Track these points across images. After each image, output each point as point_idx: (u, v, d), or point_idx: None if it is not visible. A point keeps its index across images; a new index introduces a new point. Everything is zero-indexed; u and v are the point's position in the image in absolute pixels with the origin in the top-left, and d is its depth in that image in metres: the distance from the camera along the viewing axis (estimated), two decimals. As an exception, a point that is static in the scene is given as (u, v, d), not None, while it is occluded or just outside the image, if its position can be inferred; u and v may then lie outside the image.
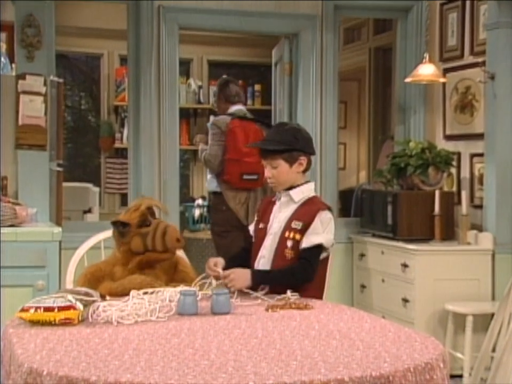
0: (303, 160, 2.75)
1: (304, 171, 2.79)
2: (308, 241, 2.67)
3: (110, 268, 2.66)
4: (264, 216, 2.84)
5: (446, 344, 3.97)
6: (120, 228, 2.62)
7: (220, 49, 6.86)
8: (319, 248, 2.69)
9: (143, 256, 2.63)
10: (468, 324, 3.88)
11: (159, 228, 2.64)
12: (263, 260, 2.77)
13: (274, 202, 2.85)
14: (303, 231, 2.69)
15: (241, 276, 2.58)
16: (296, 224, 2.70)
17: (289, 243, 2.69)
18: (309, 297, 2.57)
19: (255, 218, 2.92)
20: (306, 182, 2.81)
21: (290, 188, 2.77)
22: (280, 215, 2.78)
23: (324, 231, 2.69)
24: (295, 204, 2.76)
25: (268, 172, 2.76)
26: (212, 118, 5.11)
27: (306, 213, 2.71)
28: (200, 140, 4.74)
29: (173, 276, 2.71)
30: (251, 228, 2.92)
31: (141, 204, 2.69)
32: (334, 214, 2.79)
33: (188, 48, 6.25)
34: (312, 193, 2.81)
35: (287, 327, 2.14)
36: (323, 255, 2.73)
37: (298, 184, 2.77)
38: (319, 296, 2.70)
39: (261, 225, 2.83)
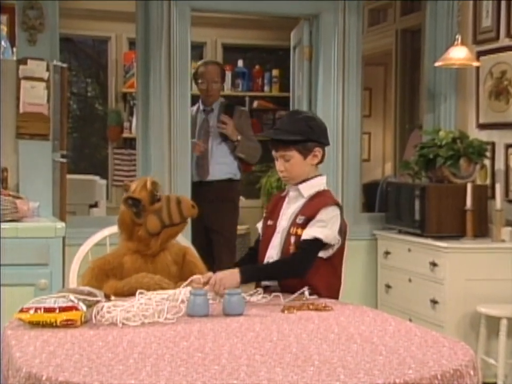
0: (318, 151, 2.72)
1: (318, 163, 2.76)
2: (307, 233, 2.64)
3: (119, 260, 2.68)
4: (273, 213, 2.82)
5: (478, 349, 3.94)
6: (134, 208, 2.65)
7: (235, 32, 6.85)
8: (318, 242, 2.64)
9: (162, 235, 2.68)
10: (502, 327, 3.85)
11: (172, 199, 2.72)
12: (271, 260, 2.74)
13: (283, 198, 2.83)
14: (304, 225, 2.66)
15: (227, 276, 2.53)
16: (300, 219, 2.68)
17: (292, 239, 2.67)
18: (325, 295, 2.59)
19: (264, 215, 2.89)
20: (318, 175, 2.78)
21: (300, 182, 2.75)
22: (288, 211, 2.76)
23: (326, 225, 2.65)
24: (303, 199, 2.74)
25: (280, 165, 2.73)
26: (240, 107, 5.06)
27: (311, 207, 2.69)
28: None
29: (182, 266, 2.74)
30: (259, 225, 2.90)
31: (145, 181, 2.72)
32: (342, 211, 2.75)
33: (201, 31, 6.25)
34: (323, 187, 2.78)
35: (304, 329, 2.13)
36: (329, 252, 2.69)
37: (309, 177, 2.75)
38: (333, 298, 2.68)
39: (269, 222, 2.81)
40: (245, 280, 2.54)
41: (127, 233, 2.71)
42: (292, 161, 2.70)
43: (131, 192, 2.71)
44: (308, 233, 2.64)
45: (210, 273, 2.60)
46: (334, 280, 2.75)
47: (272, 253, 2.75)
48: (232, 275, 2.55)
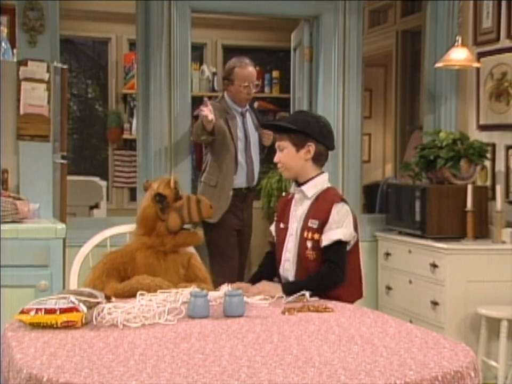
0: (310, 146, 2.77)
1: (316, 161, 2.79)
2: (326, 238, 2.70)
3: (131, 255, 2.73)
4: (283, 215, 2.88)
5: (479, 351, 3.94)
6: (160, 204, 2.75)
7: (235, 33, 6.86)
8: (340, 244, 2.71)
9: (179, 237, 2.78)
10: (502, 329, 3.85)
11: (192, 198, 2.85)
12: (288, 263, 2.81)
13: (290, 201, 2.88)
14: (320, 230, 2.72)
15: (270, 285, 2.68)
16: (313, 223, 2.73)
17: (309, 244, 2.73)
18: (346, 294, 2.69)
19: (275, 218, 2.97)
20: (319, 174, 2.82)
21: (303, 183, 2.80)
22: (296, 213, 2.82)
23: (341, 225, 2.71)
24: (308, 200, 2.79)
25: (276, 156, 2.83)
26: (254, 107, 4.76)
27: (320, 209, 2.74)
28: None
29: (187, 269, 2.81)
30: (272, 228, 2.98)
31: (169, 180, 2.83)
32: (349, 205, 2.80)
33: (201, 32, 6.24)
34: (326, 185, 2.83)
35: (305, 331, 2.13)
36: (348, 246, 2.75)
37: (311, 177, 2.80)
38: (356, 290, 2.78)
39: (281, 225, 2.88)
40: (287, 295, 2.60)
41: (147, 228, 2.77)
42: (285, 152, 2.79)
43: (155, 189, 2.77)
44: (328, 238, 2.70)
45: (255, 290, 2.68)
46: (353, 274, 2.78)
47: (288, 256, 2.81)
48: (275, 287, 2.67)
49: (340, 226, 2.70)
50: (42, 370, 1.73)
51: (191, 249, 3.04)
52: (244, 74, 4.35)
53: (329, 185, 2.84)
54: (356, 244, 2.79)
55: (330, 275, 2.69)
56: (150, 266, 2.70)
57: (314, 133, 2.76)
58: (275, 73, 7.04)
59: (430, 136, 4.62)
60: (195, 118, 4.53)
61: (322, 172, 2.83)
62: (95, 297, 2.25)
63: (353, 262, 2.78)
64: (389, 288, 4.63)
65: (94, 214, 5.58)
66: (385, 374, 1.70)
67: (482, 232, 4.29)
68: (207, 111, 4.03)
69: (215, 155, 4.29)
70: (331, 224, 2.71)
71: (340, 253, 2.72)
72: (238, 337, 2.05)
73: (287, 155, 2.78)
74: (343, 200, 2.78)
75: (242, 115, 4.40)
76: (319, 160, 2.80)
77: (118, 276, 2.70)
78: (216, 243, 4.29)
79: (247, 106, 4.46)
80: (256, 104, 7.01)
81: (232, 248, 4.30)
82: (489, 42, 4.51)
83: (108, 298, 2.38)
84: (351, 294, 2.75)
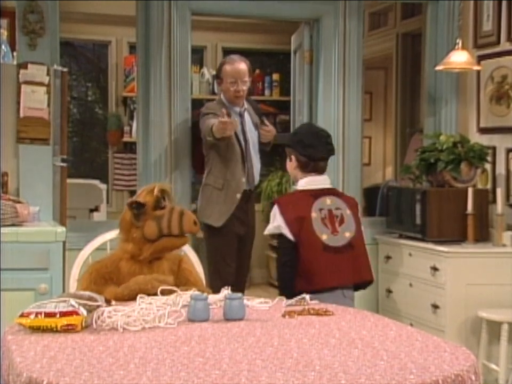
0: (293, 157, 3.28)
1: (302, 169, 3.27)
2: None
3: (116, 264, 2.70)
4: None
5: (480, 354, 3.94)
6: (135, 210, 2.67)
7: (235, 36, 6.87)
8: (279, 237, 3.31)
9: (158, 243, 2.68)
10: (503, 332, 3.85)
11: (175, 210, 2.72)
12: None
13: None
14: None
15: None
16: None
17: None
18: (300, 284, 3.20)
19: None
20: (301, 179, 3.35)
21: None
22: None
23: (270, 222, 3.34)
24: None
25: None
26: (257, 104, 4.66)
27: None
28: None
29: (177, 273, 2.76)
30: None
31: (154, 187, 2.75)
32: (284, 206, 3.29)
33: (201, 35, 6.26)
34: (295, 189, 3.35)
35: (305, 334, 2.13)
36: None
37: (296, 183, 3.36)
38: (308, 281, 3.22)
39: None
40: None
41: (125, 233, 2.74)
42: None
43: (137, 195, 2.73)
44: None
45: None
46: (303, 266, 3.24)
47: None
48: None
49: (270, 223, 3.33)
50: (42, 373, 1.73)
51: (190, 251, 3.02)
52: (230, 70, 4.26)
53: (299, 188, 3.31)
54: (306, 240, 3.21)
55: (277, 262, 3.37)
56: (133, 275, 2.65)
57: (293, 145, 3.23)
58: (275, 76, 7.06)
59: (430, 139, 4.62)
60: (195, 123, 4.52)
61: (304, 177, 3.29)
62: (95, 300, 2.25)
63: (303, 256, 3.21)
64: (389, 291, 4.63)
65: (94, 217, 5.59)
66: (386, 378, 1.70)
67: (483, 235, 4.29)
68: (230, 126, 3.90)
69: (221, 156, 4.18)
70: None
71: (279, 243, 3.37)
72: (238, 340, 2.05)
73: (286, 164, 3.33)
74: (275, 202, 3.31)
75: (240, 115, 4.31)
76: (305, 167, 3.23)
77: (106, 284, 2.67)
78: (219, 250, 4.21)
79: (245, 105, 4.36)
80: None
81: (231, 256, 4.21)
82: (489, 45, 4.52)
83: (108, 302, 2.38)
84: (303, 284, 3.16)
